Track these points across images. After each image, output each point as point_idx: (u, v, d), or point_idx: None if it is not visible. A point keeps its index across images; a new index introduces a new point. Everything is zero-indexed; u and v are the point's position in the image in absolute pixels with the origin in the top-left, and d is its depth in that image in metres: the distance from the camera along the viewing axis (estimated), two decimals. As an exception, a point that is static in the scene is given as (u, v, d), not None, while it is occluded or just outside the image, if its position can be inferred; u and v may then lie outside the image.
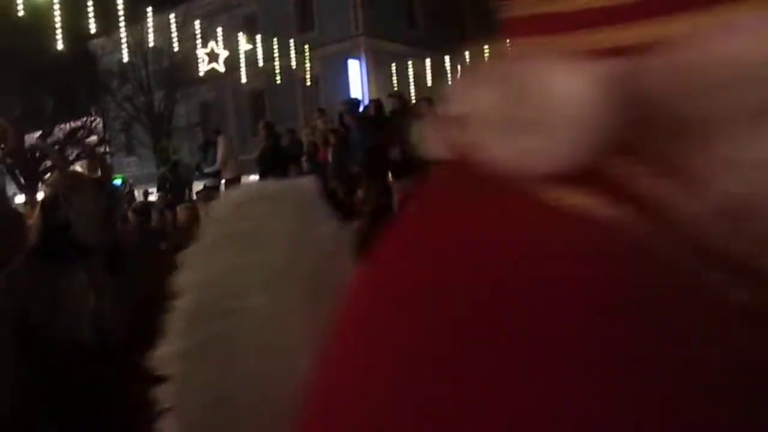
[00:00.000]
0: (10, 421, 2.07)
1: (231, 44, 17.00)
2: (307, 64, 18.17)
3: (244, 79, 17.50)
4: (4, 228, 6.25)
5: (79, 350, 2.13)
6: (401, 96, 10.59)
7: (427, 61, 18.47)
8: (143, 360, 2.11)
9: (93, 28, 13.78)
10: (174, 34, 15.81)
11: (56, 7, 12.92)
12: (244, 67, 17.09)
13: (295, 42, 18.14)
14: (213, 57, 16.87)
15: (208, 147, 11.58)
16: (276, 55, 17.52)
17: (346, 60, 21.98)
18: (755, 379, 0.35)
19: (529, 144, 0.41)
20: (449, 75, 18.10)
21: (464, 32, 24.75)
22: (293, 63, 18.05)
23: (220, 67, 16.85)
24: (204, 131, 12.61)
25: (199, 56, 16.66)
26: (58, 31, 13.27)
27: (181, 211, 9.24)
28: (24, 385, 2.07)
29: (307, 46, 18.13)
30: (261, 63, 17.28)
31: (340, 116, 9.50)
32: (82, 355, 2.13)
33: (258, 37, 17.45)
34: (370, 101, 9.88)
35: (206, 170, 11.53)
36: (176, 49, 16.66)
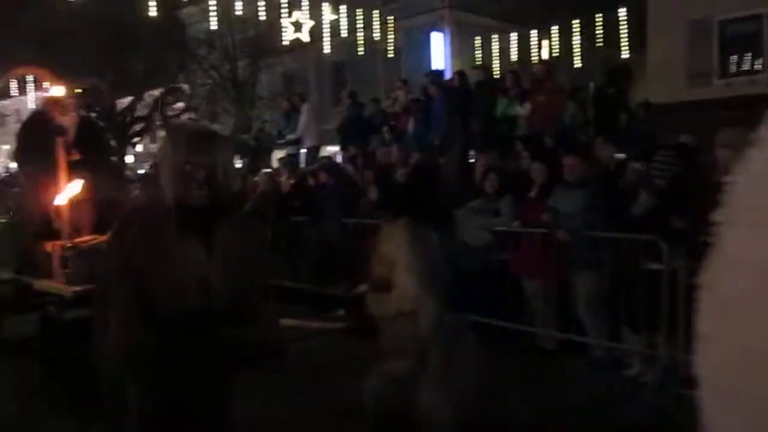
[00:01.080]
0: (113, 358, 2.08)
1: (315, 14, 17.00)
2: (390, 36, 17.99)
3: (327, 50, 17.51)
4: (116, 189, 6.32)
5: (181, 315, 2.09)
6: (486, 68, 10.34)
7: (513, 36, 17.93)
8: (244, 336, 2.18)
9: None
10: (261, 3, 15.93)
11: (150, -26, 13.25)
12: (328, 39, 17.08)
13: (379, 13, 17.96)
14: (297, 27, 16.92)
15: (291, 115, 11.69)
16: (359, 26, 17.42)
17: (430, 32, 21.68)
18: None
19: None
20: (535, 50, 17.53)
21: (553, 8, 23.96)
22: (376, 34, 17.91)
23: (305, 37, 16.89)
24: (288, 99, 12.71)
25: (283, 26, 16.75)
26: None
27: (261, 177, 9.42)
28: (132, 330, 2.07)
29: (391, 18, 17.94)
30: (345, 34, 17.22)
31: (424, 87, 9.36)
32: (184, 320, 2.08)
33: (342, 8, 17.37)
34: (454, 72, 9.67)
35: (288, 137, 11.66)
36: (262, 18, 16.81)
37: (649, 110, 8.42)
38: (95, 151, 5.85)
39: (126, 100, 22.60)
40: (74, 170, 5.25)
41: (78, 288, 4.85)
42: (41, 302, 5.59)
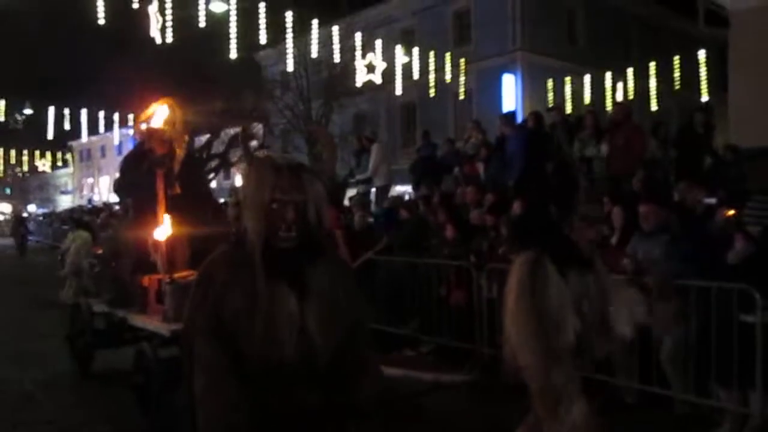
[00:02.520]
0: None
1: (388, 57, 17.32)
2: (462, 78, 18.10)
3: (399, 92, 17.75)
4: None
5: (277, 369, 1.85)
6: (561, 109, 10.22)
7: (587, 78, 17.73)
8: (352, 391, 1.97)
9: (263, 39, 14.60)
10: (336, 46, 16.36)
11: (233, 18, 13.82)
12: (400, 80, 17.35)
13: (451, 55, 18.14)
14: (371, 69, 17.27)
15: (361, 154, 11.83)
16: (431, 68, 17.63)
17: (501, 74, 21.71)
18: None
19: None
20: (609, 92, 17.27)
21: (628, 50, 23.66)
22: (448, 76, 18.07)
23: (377, 79, 17.20)
24: (359, 139, 12.89)
25: (357, 68, 17.12)
26: (233, 41, 14.19)
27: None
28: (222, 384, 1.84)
29: (462, 60, 18.08)
30: (416, 76, 17.45)
31: (500, 129, 9.31)
32: (281, 375, 1.85)
33: (415, 50, 17.64)
34: (529, 113, 9.60)
35: (358, 177, 11.78)
36: (337, 60, 17.23)
37: (737, 153, 8.09)
38: (195, 186, 5.79)
39: (203, 138, 23.43)
40: (174, 204, 5.16)
41: (176, 327, 4.59)
42: (135, 337, 5.51)
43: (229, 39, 14.11)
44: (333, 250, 2.09)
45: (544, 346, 2.65)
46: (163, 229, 5.00)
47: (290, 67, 16.96)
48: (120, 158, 8.27)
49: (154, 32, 12.59)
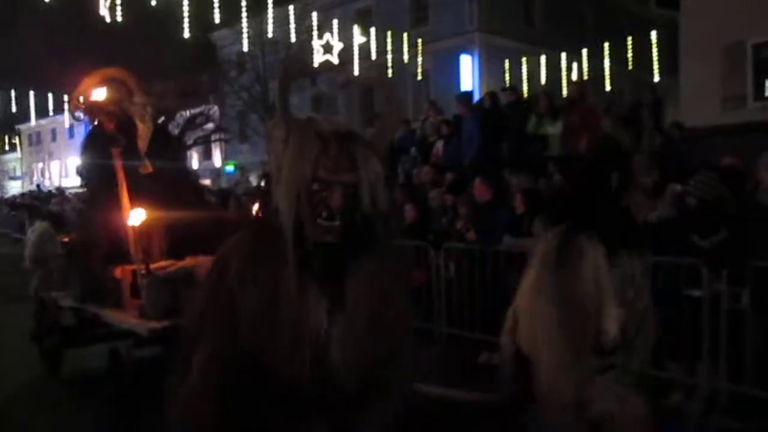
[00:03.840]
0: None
1: (345, 37, 17.20)
2: (419, 58, 18.09)
3: (356, 72, 17.68)
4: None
5: (288, 393, 1.52)
6: (516, 89, 10.29)
7: (542, 59, 17.90)
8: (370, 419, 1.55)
9: (217, 18, 14.32)
10: (292, 26, 16.16)
11: (185, -3, 13.53)
12: (357, 61, 17.27)
13: (408, 36, 18.10)
14: (328, 49, 17.13)
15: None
16: (389, 48, 17.57)
17: (459, 55, 21.73)
18: None
19: None
20: (565, 72, 17.50)
21: (583, 31, 23.93)
22: (405, 57, 18.04)
23: (334, 59, 17.08)
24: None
25: (314, 48, 16.96)
26: (185, 21, 13.88)
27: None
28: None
29: (420, 40, 18.05)
30: (374, 56, 17.38)
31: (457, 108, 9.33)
32: (291, 401, 1.52)
33: (372, 30, 17.55)
34: (485, 93, 9.65)
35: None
36: (293, 40, 17.03)
37: (682, 132, 8.29)
38: (171, 164, 5.12)
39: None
40: (147, 186, 4.68)
41: (155, 324, 4.14)
42: (110, 333, 4.94)
43: (182, 18, 13.81)
44: (390, 243, 1.64)
45: (574, 344, 2.02)
46: (137, 214, 4.43)
47: (246, 47, 16.70)
48: (72, 142, 7.58)
49: (103, 10, 12.23)
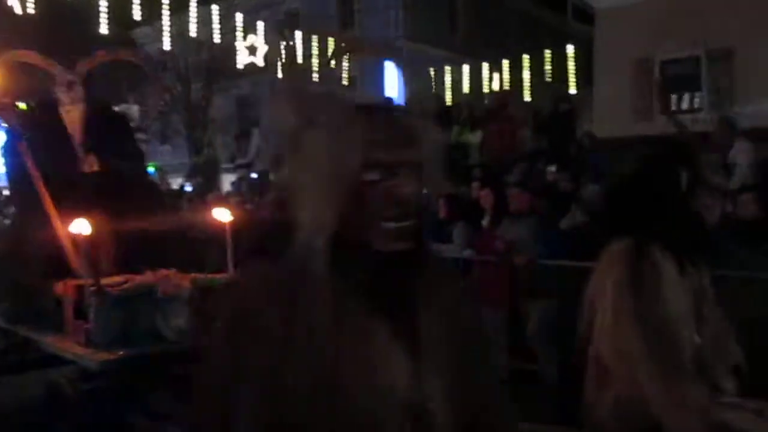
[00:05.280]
0: None
1: (271, 39, 17.06)
2: (345, 64, 18.15)
3: (281, 75, 17.55)
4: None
5: None
6: (439, 98, 10.51)
7: (465, 68, 18.31)
8: None
9: (137, 15, 13.92)
10: (215, 26, 15.89)
11: (103, -8, 13.09)
12: (282, 64, 17.16)
13: (335, 41, 18.14)
14: (252, 51, 16.93)
15: (242, 139, 11.63)
16: (314, 52, 17.56)
17: (384, 61, 21.93)
18: None
19: None
20: (487, 82, 17.97)
21: (505, 42, 24.63)
22: (331, 62, 18.06)
23: (259, 62, 16.90)
24: (240, 123, 12.66)
25: (238, 49, 16.73)
26: (103, 17, 13.43)
27: (211, 200, 9.29)
28: None
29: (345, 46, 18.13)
30: (300, 60, 17.31)
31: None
32: None
33: (298, 34, 17.49)
34: (406, 101, 9.80)
35: (238, 162, 11.58)
36: (217, 41, 16.76)
37: (593, 141, 8.69)
38: (122, 157, 4.21)
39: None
40: (92, 186, 3.97)
41: (107, 356, 3.28)
42: (45, 360, 3.96)
43: (99, 14, 13.35)
44: (433, 252, 1.30)
45: (664, 368, 1.74)
46: (82, 221, 3.56)
47: (167, 46, 16.30)
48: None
49: (12, 1, 11.68)
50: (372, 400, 1.03)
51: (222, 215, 3.92)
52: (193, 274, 3.73)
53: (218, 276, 3.75)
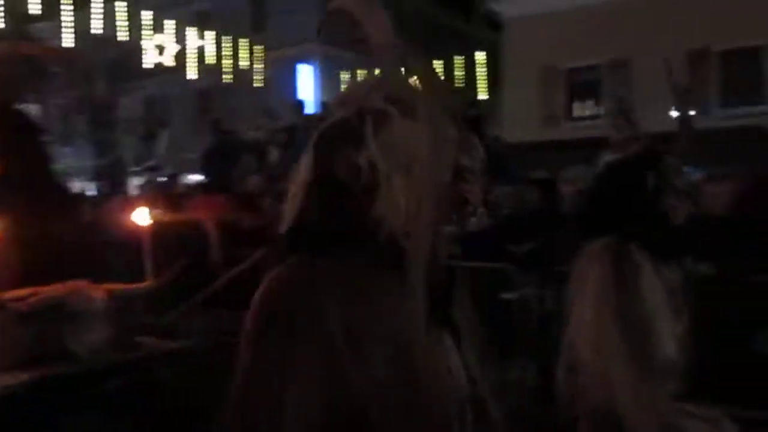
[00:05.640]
0: None
1: (181, 39, 16.60)
2: (259, 66, 17.91)
3: (191, 76, 17.12)
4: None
5: None
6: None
7: (378, 71, 18.48)
8: None
9: (35, 9, 13.24)
10: (121, 23, 15.31)
11: (-4, -16, 12.38)
12: (194, 64, 16.74)
13: (248, 42, 17.87)
14: (161, 50, 16.41)
15: (149, 140, 11.23)
16: (226, 53, 17.22)
17: (298, 64, 21.81)
18: None
19: None
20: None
21: (416, 48, 24.98)
22: (243, 63, 17.77)
23: (168, 61, 16.40)
24: (147, 124, 12.21)
25: (146, 48, 16.18)
26: (-2, 11, 12.70)
27: (117, 203, 8.91)
28: None
29: (259, 47, 17.88)
30: (211, 60, 16.95)
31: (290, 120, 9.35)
32: None
33: (209, 34, 17.09)
34: (321, 104, 9.77)
35: (145, 165, 11.17)
36: (123, 39, 16.15)
37: (502, 145, 8.95)
38: (25, 158, 3.84)
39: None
40: None
41: (10, 380, 2.86)
42: None
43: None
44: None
45: (638, 367, 1.77)
46: None
47: (69, 43, 15.56)
48: None
49: None
50: (447, 399, 1.02)
51: (141, 218, 3.57)
52: (107, 285, 3.45)
53: (137, 286, 3.50)
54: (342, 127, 1.05)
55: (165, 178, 11.07)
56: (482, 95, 16.45)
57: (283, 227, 1.09)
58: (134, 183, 12.05)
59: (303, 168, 1.10)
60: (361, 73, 18.08)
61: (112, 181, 12.44)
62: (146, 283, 3.45)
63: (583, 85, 15.26)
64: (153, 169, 11.09)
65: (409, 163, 0.99)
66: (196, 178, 13.30)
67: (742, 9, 13.50)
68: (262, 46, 18.01)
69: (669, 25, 13.86)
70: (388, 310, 0.98)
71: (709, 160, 6.30)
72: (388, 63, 1.16)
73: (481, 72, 16.52)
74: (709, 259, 4.22)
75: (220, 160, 9.55)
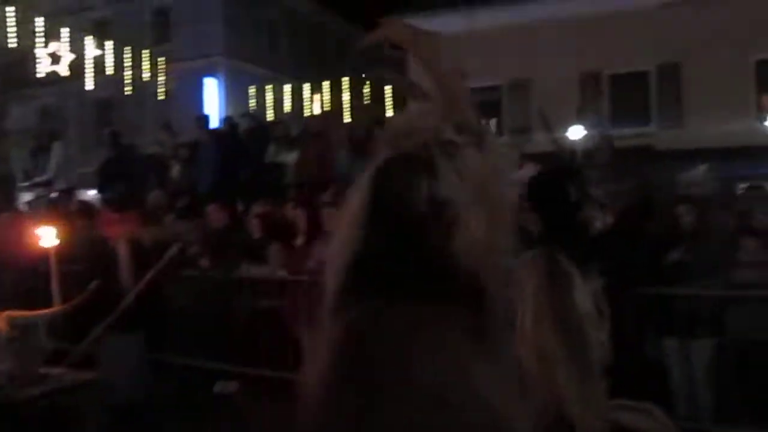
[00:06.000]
0: None
1: (77, 48, 15.86)
2: (161, 78, 17.39)
3: (89, 86, 16.39)
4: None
5: None
6: (255, 116, 10.39)
7: (287, 87, 18.34)
8: None
9: None
10: (12, 29, 14.47)
11: None
12: (92, 74, 16.03)
13: (150, 53, 17.32)
14: (55, 59, 15.61)
15: (40, 153, 10.59)
16: (127, 64, 16.62)
17: (203, 77, 21.37)
18: None
19: None
20: (307, 102, 18.14)
21: (324, 65, 25.11)
22: (145, 74, 17.21)
23: (63, 71, 15.61)
24: (37, 136, 11.48)
25: (39, 56, 15.34)
26: None
27: (6, 221, 8.35)
28: None
29: (162, 59, 17.37)
30: (110, 71, 16.30)
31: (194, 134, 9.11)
32: None
33: (108, 44, 16.45)
34: (224, 118, 9.59)
35: (36, 180, 10.51)
36: (13, 45, 15.26)
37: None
38: None
39: None
40: None
41: None
42: None
43: None
44: None
45: (578, 369, 1.83)
46: None
47: (-50, 49, 14.57)
48: None
49: None
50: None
51: (46, 238, 3.34)
52: (6, 312, 3.20)
53: (40, 313, 3.25)
54: (411, 159, 0.99)
55: (57, 194, 10.49)
56: (391, 112, 16.70)
57: (337, 265, 1.01)
58: (23, 199, 11.34)
59: (358, 203, 1.02)
60: (268, 88, 17.80)
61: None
62: (53, 308, 3.25)
63: (484, 104, 15.77)
64: (44, 185, 10.47)
65: (483, 195, 0.97)
66: (92, 193, 12.70)
67: (630, 37, 14.44)
68: (165, 58, 17.50)
69: (566, 48, 14.60)
70: (474, 360, 0.92)
71: (603, 178, 6.69)
72: (452, 92, 1.12)
73: (388, 89, 16.79)
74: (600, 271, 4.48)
75: (119, 176, 9.18)
